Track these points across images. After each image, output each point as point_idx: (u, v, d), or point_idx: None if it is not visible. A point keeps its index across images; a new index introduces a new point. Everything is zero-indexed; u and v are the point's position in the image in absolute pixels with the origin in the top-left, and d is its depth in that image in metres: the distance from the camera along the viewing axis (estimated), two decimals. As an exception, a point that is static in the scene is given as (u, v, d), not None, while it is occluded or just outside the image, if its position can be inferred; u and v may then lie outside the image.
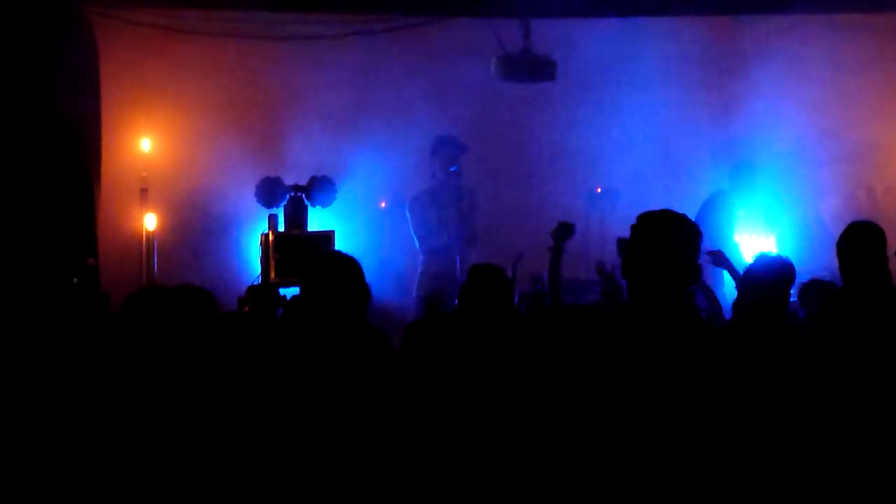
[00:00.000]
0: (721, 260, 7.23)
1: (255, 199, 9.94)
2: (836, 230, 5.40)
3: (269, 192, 9.90)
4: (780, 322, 4.97)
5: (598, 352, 3.66)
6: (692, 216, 3.73)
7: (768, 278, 5.05)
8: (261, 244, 9.83)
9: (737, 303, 5.22)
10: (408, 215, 9.79)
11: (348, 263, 4.37)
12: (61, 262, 8.20)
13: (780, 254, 5.54)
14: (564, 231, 6.45)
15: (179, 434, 4.34)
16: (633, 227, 3.67)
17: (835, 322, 5.11)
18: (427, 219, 9.65)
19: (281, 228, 9.86)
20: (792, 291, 5.16)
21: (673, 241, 3.60)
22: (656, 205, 3.78)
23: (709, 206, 9.19)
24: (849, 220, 5.42)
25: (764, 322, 4.93)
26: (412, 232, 9.75)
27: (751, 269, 5.20)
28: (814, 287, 6.12)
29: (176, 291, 4.84)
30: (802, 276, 8.03)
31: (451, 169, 9.68)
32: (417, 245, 9.73)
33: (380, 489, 4.12)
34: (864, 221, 5.43)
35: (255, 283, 9.26)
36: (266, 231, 9.81)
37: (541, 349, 4.56)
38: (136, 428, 4.34)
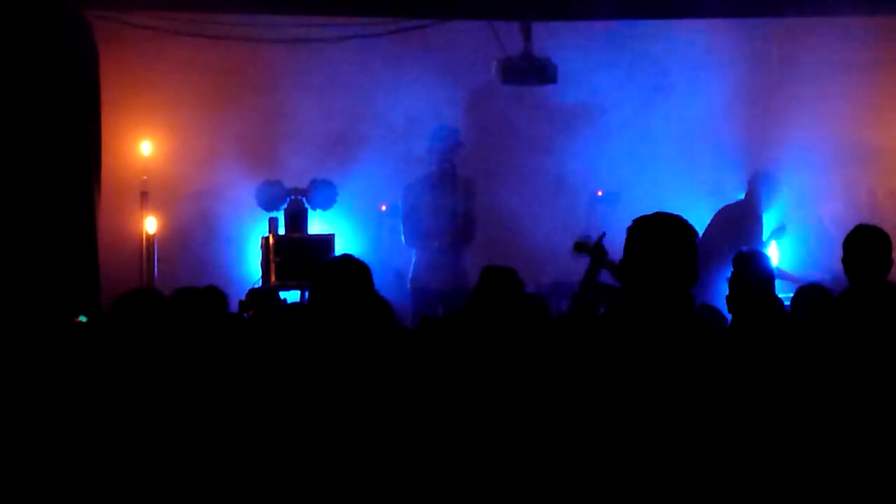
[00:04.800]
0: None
1: (255, 202, 9.94)
2: (838, 233, 5.38)
3: (269, 195, 9.89)
4: (772, 317, 4.97)
5: (597, 356, 3.64)
6: (691, 220, 3.70)
7: (754, 272, 5.05)
8: (261, 247, 9.82)
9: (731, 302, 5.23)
10: (399, 204, 9.51)
11: (359, 269, 4.34)
12: (61, 266, 8.18)
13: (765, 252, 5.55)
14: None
15: (179, 437, 4.32)
16: (627, 231, 3.66)
17: (839, 324, 5.10)
18: (418, 205, 9.29)
19: (281, 232, 9.85)
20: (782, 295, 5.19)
21: (667, 244, 3.59)
22: (657, 208, 3.76)
23: (725, 217, 8.99)
24: (850, 224, 5.40)
25: (759, 317, 4.93)
26: (400, 221, 9.42)
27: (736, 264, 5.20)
28: (805, 293, 6.10)
29: (204, 291, 4.86)
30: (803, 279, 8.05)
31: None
32: (403, 238, 9.37)
33: (385, 494, 4.10)
34: (871, 225, 5.42)
35: (256, 286, 9.24)
36: (266, 234, 9.80)
37: (545, 354, 4.54)
38: (136, 433, 4.33)
